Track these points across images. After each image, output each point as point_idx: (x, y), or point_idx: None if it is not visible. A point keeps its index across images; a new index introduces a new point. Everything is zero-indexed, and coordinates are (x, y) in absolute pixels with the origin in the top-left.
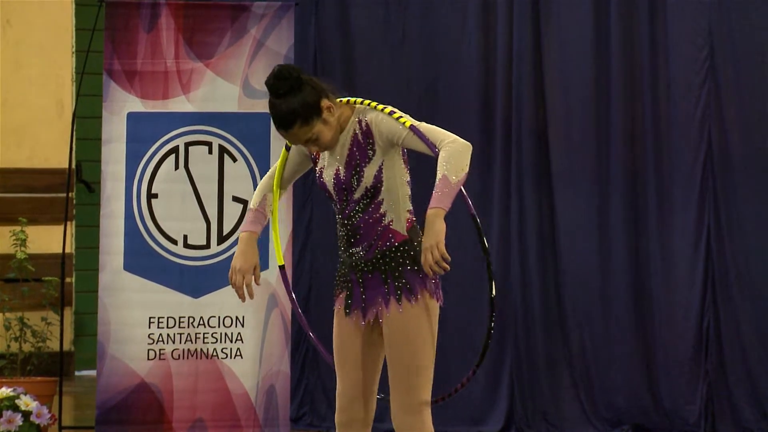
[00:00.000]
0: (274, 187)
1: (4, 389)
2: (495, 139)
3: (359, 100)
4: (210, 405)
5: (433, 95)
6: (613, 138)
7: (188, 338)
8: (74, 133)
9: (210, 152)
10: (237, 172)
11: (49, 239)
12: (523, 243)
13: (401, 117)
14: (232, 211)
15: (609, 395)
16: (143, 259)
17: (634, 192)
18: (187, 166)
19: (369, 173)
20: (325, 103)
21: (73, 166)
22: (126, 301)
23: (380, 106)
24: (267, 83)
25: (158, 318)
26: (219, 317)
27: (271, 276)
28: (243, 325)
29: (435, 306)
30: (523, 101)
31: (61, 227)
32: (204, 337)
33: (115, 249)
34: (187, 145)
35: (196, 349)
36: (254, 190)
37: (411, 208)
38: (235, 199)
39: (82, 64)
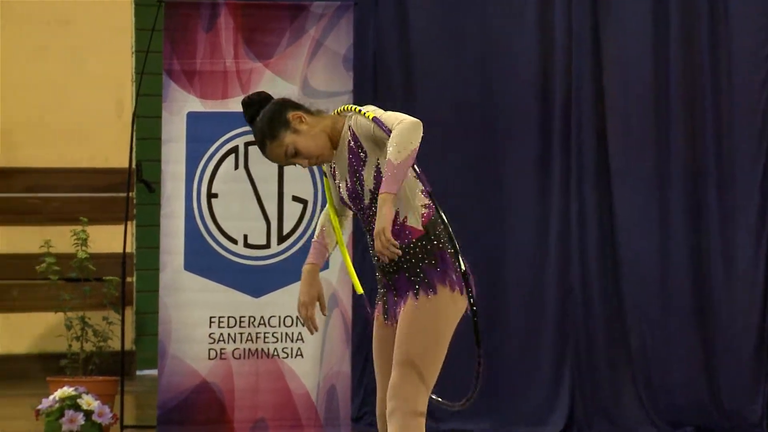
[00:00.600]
0: (331, 215)
1: (66, 389)
2: (553, 138)
3: (347, 107)
4: (271, 404)
5: (490, 94)
6: (673, 135)
7: (249, 338)
8: (134, 133)
9: None
10: (297, 172)
11: (109, 239)
12: (582, 241)
13: (366, 112)
14: (292, 210)
15: (670, 395)
16: (203, 259)
17: (694, 189)
18: (246, 166)
19: (368, 176)
20: (292, 114)
21: (134, 165)
22: (186, 301)
23: (356, 108)
24: (244, 116)
25: (219, 317)
26: (279, 317)
27: (332, 276)
28: (303, 325)
29: (454, 301)
30: (582, 99)
31: (122, 227)
32: (265, 337)
33: (175, 249)
34: (247, 144)
35: (256, 349)
36: (314, 189)
37: (426, 201)
38: (295, 198)
39: (141, 64)
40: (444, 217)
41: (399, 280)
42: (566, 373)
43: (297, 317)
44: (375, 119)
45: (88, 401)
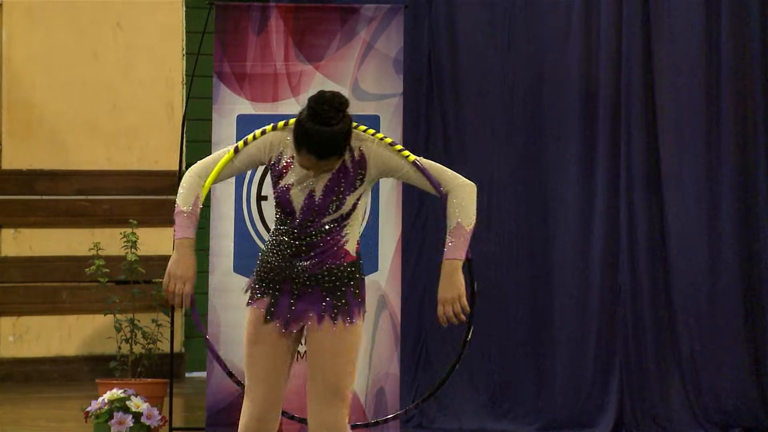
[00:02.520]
0: (206, 187)
1: (115, 391)
2: (599, 141)
3: (358, 125)
4: None
5: (538, 97)
6: (724, 138)
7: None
8: (184, 135)
9: None
10: None
11: (159, 241)
12: (631, 244)
13: (403, 150)
14: None
15: (719, 398)
16: (252, 261)
17: (745, 193)
18: None
19: (349, 202)
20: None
21: (183, 168)
22: (236, 303)
23: (379, 135)
24: (319, 110)
25: None
26: None
27: (381, 278)
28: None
29: (362, 330)
30: (631, 101)
31: (171, 229)
32: (304, 340)
33: (224, 251)
34: None
35: (304, 351)
36: None
37: (361, 230)
38: None
39: (192, 66)
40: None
41: (311, 294)
42: (614, 377)
43: None
44: (417, 165)
45: (137, 403)
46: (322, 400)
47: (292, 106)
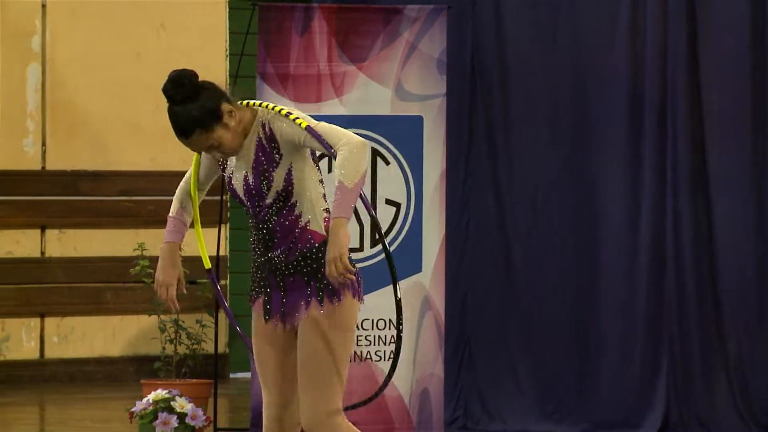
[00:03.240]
0: (192, 192)
1: (159, 391)
2: (645, 141)
3: (258, 102)
4: (363, 408)
5: (584, 97)
6: None
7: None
8: None
9: None
10: (390, 175)
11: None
12: (677, 245)
13: (297, 118)
14: (385, 213)
15: (765, 401)
16: None
17: None
18: None
19: (278, 177)
20: (225, 107)
21: None
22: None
23: (277, 108)
24: (164, 90)
25: None
26: (372, 320)
27: (425, 278)
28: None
29: (355, 306)
30: (677, 101)
31: (215, 230)
32: (357, 340)
33: None
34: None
35: (360, 353)
36: (407, 192)
37: (327, 206)
38: (389, 201)
39: (235, 67)
40: (373, 212)
41: (294, 282)
42: (661, 378)
43: (390, 320)
44: (309, 129)
45: (182, 404)
46: (308, 389)
47: (336, 107)
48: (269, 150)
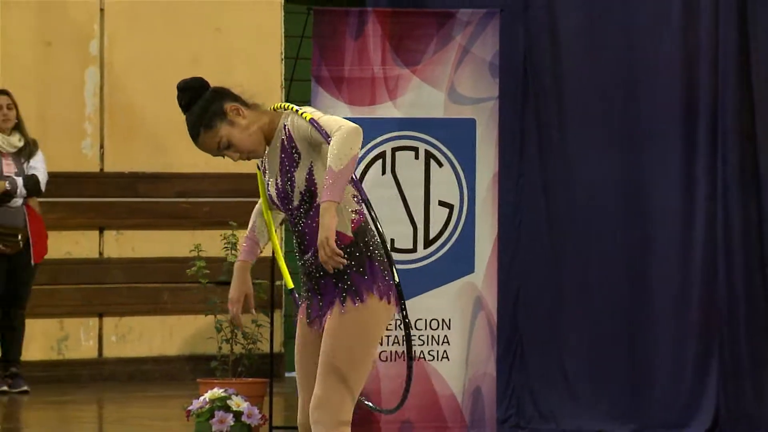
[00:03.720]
0: (264, 212)
1: (216, 390)
2: (698, 142)
3: (285, 105)
4: (417, 406)
5: (635, 100)
6: None
7: (395, 341)
8: None
9: (416, 157)
10: (443, 177)
11: None
12: (728, 245)
13: (304, 113)
14: (438, 215)
15: None
16: None
17: None
18: (393, 171)
19: (300, 177)
20: (230, 105)
21: None
22: None
23: (294, 107)
24: (177, 100)
25: None
26: (426, 320)
27: (477, 279)
28: (449, 328)
29: (382, 309)
30: (728, 103)
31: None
32: (412, 339)
33: None
34: (394, 150)
35: (403, 352)
36: (459, 194)
37: (357, 207)
38: (441, 203)
39: (290, 70)
40: (379, 226)
41: (325, 285)
42: (711, 377)
43: (443, 320)
44: (312, 121)
45: (238, 402)
46: (319, 375)
47: (390, 110)
48: (290, 150)
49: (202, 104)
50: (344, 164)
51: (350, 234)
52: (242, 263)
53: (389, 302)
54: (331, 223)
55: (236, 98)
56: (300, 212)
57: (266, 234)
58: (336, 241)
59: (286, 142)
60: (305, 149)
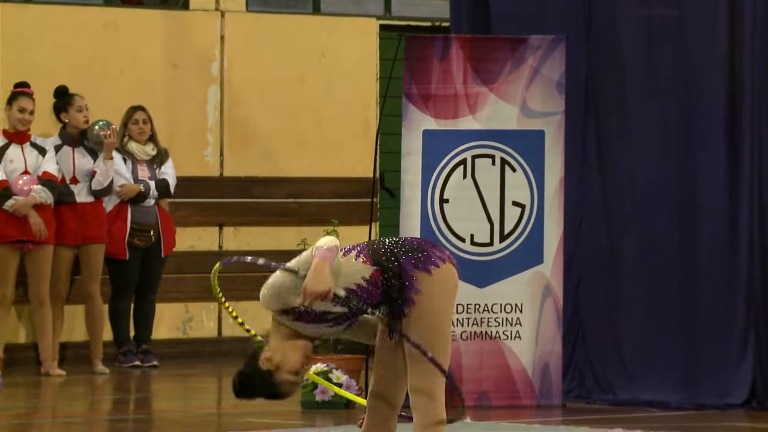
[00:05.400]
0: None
1: (319, 365)
2: (743, 144)
3: None
4: (493, 379)
5: (688, 109)
6: None
7: (474, 322)
8: (378, 147)
9: (493, 164)
10: (516, 181)
11: (357, 238)
12: (763, 233)
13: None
14: (512, 213)
15: None
16: None
17: None
18: (473, 176)
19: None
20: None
21: (377, 175)
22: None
23: None
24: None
25: None
26: (501, 304)
27: (546, 269)
28: (521, 311)
29: (439, 280)
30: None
31: (367, 227)
32: (488, 321)
33: None
34: (474, 157)
35: (481, 332)
36: (530, 195)
37: (365, 270)
38: (515, 203)
39: (384, 89)
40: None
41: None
42: (748, 356)
43: (516, 304)
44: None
45: (338, 375)
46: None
47: (470, 123)
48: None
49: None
50: (323, 245)
51: (372, 268)
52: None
53: (431, 273)
54: (318, 284)
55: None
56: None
57: None
58: (375, 283)
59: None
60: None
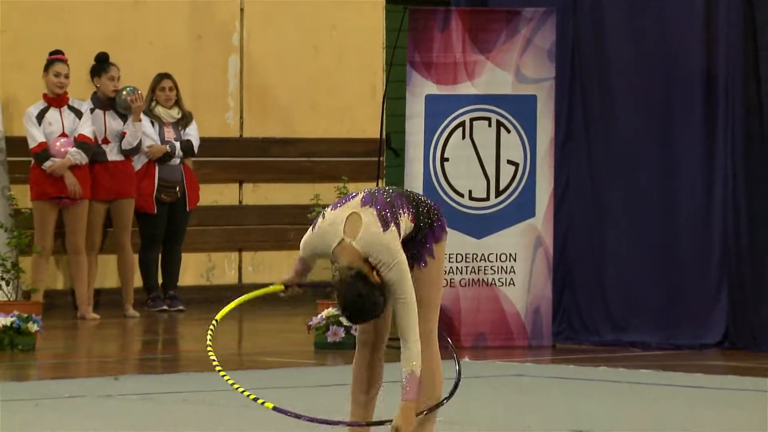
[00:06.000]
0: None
1: (330, 309)
2: (718, 115)
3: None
4: (489, 322)
5: (665, 80)
6: None
7: (472, 270)
8: (384, 111)
9: (489, 125)
10: (510, 141)
11: None
12: (735, 196)
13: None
14: (506, 171)
15: None
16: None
17: None
18: (471, 137)
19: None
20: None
21: (384, 136)
22: None
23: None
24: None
25: (449, 254)
26: (496, 254)
27: (537, 222)
28: (515, 260)
29: (440, 247)
30: (737, 79)
31: (374, 184)
32: (484, 270)
33: None
34: (472, 120)
35: (478, 279)
36: (524, 156)
37: (411, 226)
38: (509, 162)
39: (390, 57)
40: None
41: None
42: (723, 301)
43: (510, 254)
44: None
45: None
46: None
47: (468, 88)
48: None
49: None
50: (418, 374)
51: (413, 225)
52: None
53: (441, 240)
54: (407, 428)
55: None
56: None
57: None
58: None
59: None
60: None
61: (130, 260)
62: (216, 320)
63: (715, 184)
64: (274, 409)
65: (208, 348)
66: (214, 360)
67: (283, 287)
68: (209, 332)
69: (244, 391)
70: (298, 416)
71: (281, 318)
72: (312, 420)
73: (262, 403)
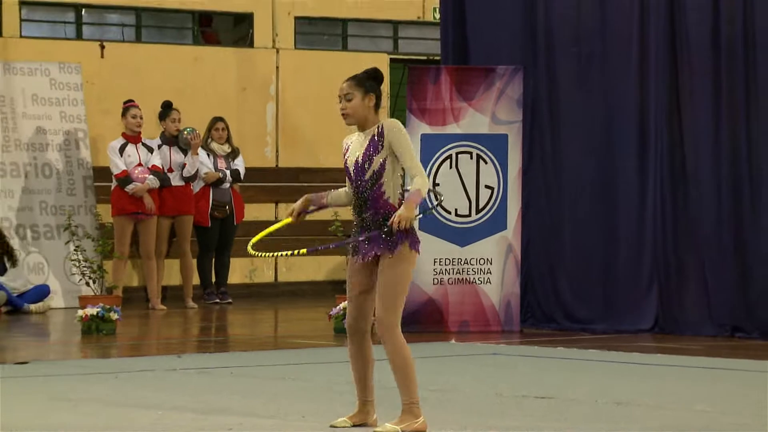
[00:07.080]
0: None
1: (347, 302)
2: (648, 143)
3: (391, 120)
4: (471, 312)
5: (609, 122)
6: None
7: (457, 272)
8: None
9: (471, 158)
10: (487, 170)
11: None
12: (663, 198)
13: (404, 141)
14: (484, 193)
15: (724, 295)
16: (431, 223)
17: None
18: (457, 167)
19: (376, 162)
20: (374, 94)
21: None
22: (422, 250)
23: (399, 126)
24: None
25: (439, 259)
26: (476, 258)
27: (509, 233)
28: (491, 264)
29: (412, 256)
30: (659, 40)
31: None
32: (467, 271)
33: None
34: (457, 153)
35: (462, 278)
36: (498, 181)
37: (402, 191)
38: (487, 186)
39: (393, 104)
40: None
41: (374, 234)
42: (653, 293)
43: (487, 258)
44: (408, 153)
45: None
46: (386, 302)
47: (454, 128)
48: (377, 142)
49: (373, 76)
50: (424, 193)
51: (396, 206)
52: (307, 199)
53: (417, 251)
54: (412, 214)
55: (379, 97)
56: (368, 185)
57: (342, 200)
58: (388, 209)
59: (377, 137)
60: (388, 148)
61: (189, 263)
62: (252, 250)
63: (646, 201)
64: (308, 251)
65: (264, 255)
66: (271, 254)
67: (290, 219)
68: (257, 254)
69: (289, 254)
70: (327, 247)
71: (308, 309)
72: (339, 245)
73: (299, 253)
